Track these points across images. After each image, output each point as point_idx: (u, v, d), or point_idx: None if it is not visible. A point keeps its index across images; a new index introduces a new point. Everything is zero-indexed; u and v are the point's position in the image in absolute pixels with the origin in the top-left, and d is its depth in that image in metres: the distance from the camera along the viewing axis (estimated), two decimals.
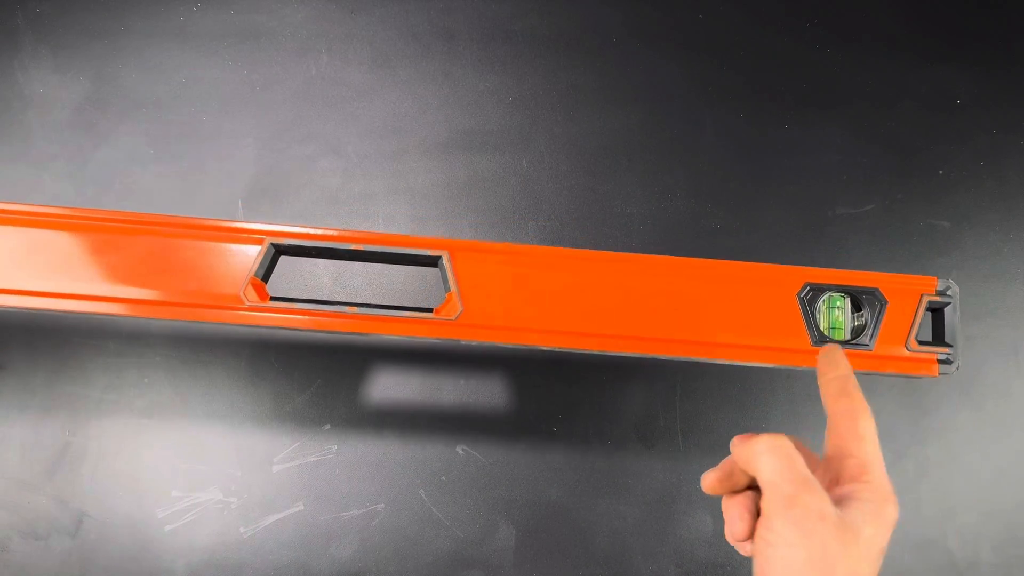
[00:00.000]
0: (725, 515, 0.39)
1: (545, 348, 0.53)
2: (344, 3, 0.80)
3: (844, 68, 0.80)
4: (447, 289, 0.53)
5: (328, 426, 0.72)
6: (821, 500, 0.34)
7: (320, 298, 0.74)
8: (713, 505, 0.72)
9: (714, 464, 0.40)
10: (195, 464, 0.72)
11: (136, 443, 0.72)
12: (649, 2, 0.81)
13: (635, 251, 0.52)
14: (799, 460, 0.35)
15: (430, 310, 0.52)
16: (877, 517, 0.35)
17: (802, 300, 0.54)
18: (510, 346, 0.52)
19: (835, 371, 0.40)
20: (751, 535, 0.38)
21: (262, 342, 0.73)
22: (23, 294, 0.51)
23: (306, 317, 0.52)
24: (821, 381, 0.41)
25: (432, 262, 0.53)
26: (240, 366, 0.73)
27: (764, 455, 0.36)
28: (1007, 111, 0.80)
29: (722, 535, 0.72)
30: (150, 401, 0.72)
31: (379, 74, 0.79)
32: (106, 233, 0.52)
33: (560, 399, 0.74)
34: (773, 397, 0.74)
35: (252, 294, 0.52)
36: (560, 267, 0.53)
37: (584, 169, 0.77)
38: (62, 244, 0.52)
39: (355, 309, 0.52)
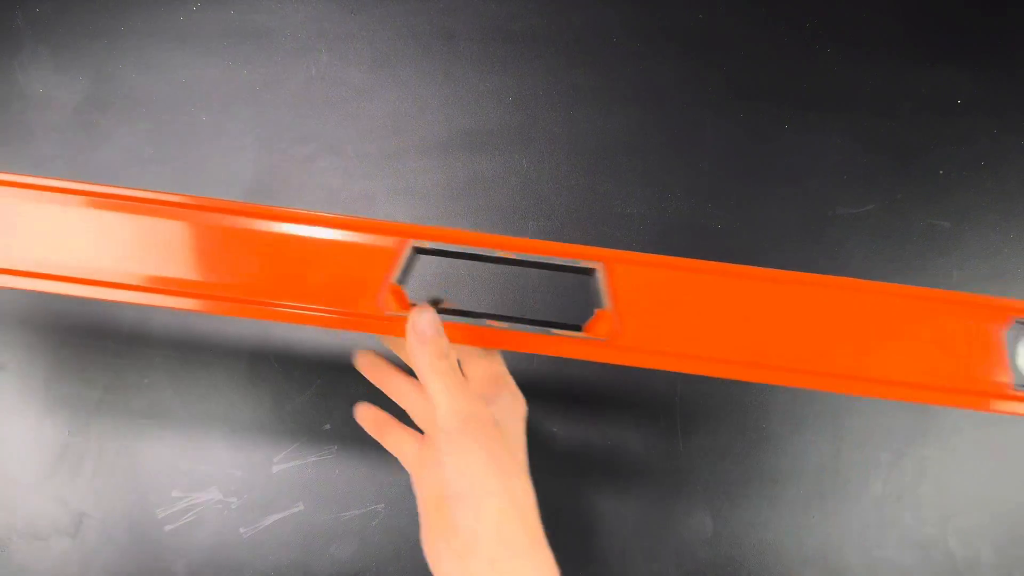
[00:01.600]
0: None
1: (707, 377, 0.48)
2: (344, 3, 0.80)
3: (844, 68, 0.80)
4: (599, 305, 0.48)
5: (328, 426, 0.72)
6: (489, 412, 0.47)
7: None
8: (713, 505, 0.72)
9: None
10: (195, 464, 0.72)
11: (136, 443, 0.72)
12: (649, 2, 0.81)
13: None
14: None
15: (579, 327, 0.47)
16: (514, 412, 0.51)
17: (1010, 337, 0.47)
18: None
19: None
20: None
21: (262, 342, 0.73)
22: (137, 290, 0.48)
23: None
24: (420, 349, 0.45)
25: (586, 273, 0.48)
26: (240, 366, 0.73)
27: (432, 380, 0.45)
28: (1008, 112, 0.80)
29: (722, 535, 0.72)
30: (150, 401, 0.72)
31: (379, 74, 0.79)
32: (228, 233, 0.48)
33: (560, 399, 0.74)
34: (773, 398, 0.74)
35: (391, 302, 0.46)
36: (730, 287, 0.47)
37: (584, 169, 0.77)
38: (174, 234, 0.49)
39: (499, 323, 0.47)
